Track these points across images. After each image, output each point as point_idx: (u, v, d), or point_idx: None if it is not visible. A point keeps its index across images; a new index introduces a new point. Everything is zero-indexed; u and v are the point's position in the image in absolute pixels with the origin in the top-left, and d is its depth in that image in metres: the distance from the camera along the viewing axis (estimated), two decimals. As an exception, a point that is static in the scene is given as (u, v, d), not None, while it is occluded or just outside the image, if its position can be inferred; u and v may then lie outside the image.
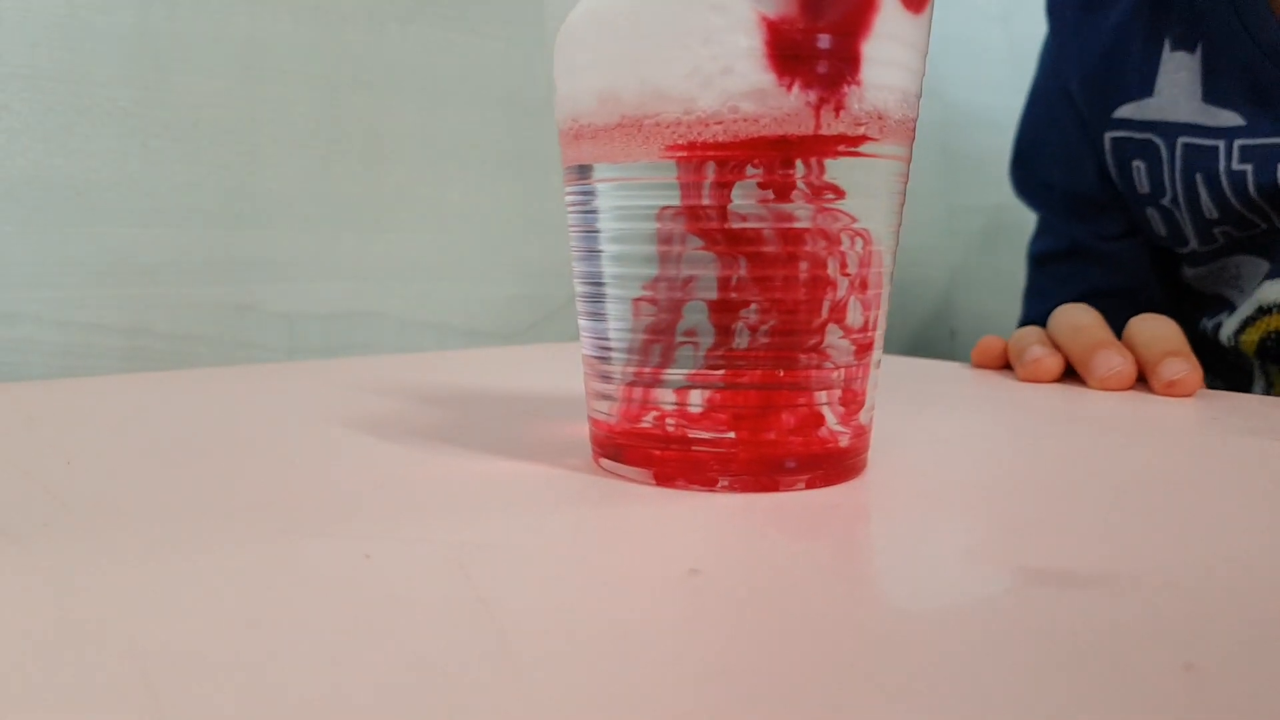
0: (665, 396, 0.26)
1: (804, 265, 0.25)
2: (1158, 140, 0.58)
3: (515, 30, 0.66)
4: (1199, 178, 0.56)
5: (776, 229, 0.25)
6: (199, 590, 0.19)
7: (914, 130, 0.27)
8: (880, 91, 0.25)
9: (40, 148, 0.51)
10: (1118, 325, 0.49)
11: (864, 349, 0.27)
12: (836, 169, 0.25)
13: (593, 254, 0.27)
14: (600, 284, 0.27)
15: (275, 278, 0.59)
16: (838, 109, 0.24)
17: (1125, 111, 0.59)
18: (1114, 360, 0.45)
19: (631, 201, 0.26)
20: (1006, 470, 0.31)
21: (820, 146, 0.24)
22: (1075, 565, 0.21)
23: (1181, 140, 0.56)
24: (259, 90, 0.58)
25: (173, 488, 0.27)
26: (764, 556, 0.22)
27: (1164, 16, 0.57)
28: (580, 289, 0.28)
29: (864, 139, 0.25)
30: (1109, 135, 0.60)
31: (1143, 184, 0.60)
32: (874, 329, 0.27)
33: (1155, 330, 0.47)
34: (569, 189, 0.28)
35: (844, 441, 0.27)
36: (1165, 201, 0.59)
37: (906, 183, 0.27)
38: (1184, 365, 0.43)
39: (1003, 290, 0.97)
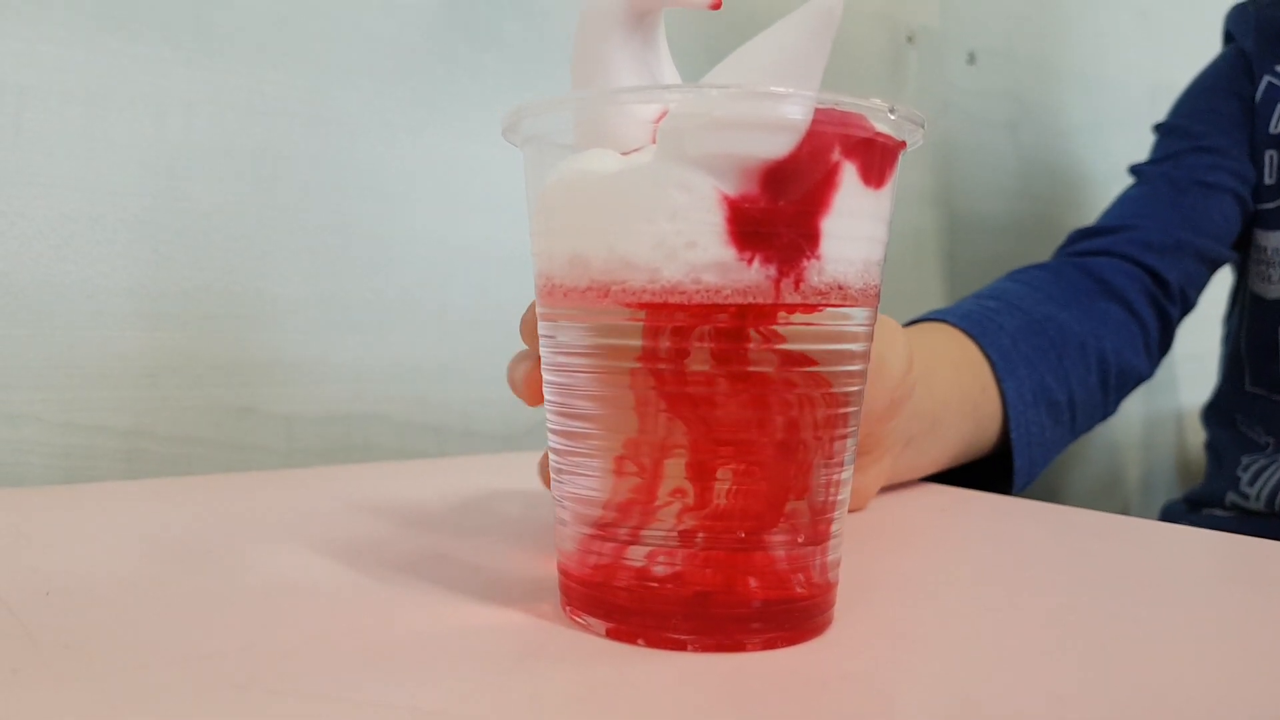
0: (635, 554, 0.27)
1: (772, 427, 0.26)
2: None
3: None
4: None
5: (731, 391, 0.25)
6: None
7: (878, 294, 0.27)
8: (840, 264, 0.25)
9: (53, 253, 0.53)
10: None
11: (829, 508, 0.27)
12: (797, 335, 0.25)
13: (564, 393, 0.28)
14: (568, 417, 0.28)
15: (277, 380, 0.60)
16: (797, 282, 0.25)
17: None
18: None
19: (597, 357, 0.27)
20: (978, 626, 0.31)
21: (779, 315, 0.25)
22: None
23: None
24: (270, 198, 0.59)
25: (146, 626, 0.28)
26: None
27: None
28: (550, 421, 0.29)
29: (824, 307, 0.25)
30: (1267, 78, 0.79)
31: (1276, 124, 0.78)
32: (837, 489, 0.27)
33: None
34: (543, 324, 0.29)
35: (808, 599, 0.27)
36: None
37: (871, 344, 0.28)
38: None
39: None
